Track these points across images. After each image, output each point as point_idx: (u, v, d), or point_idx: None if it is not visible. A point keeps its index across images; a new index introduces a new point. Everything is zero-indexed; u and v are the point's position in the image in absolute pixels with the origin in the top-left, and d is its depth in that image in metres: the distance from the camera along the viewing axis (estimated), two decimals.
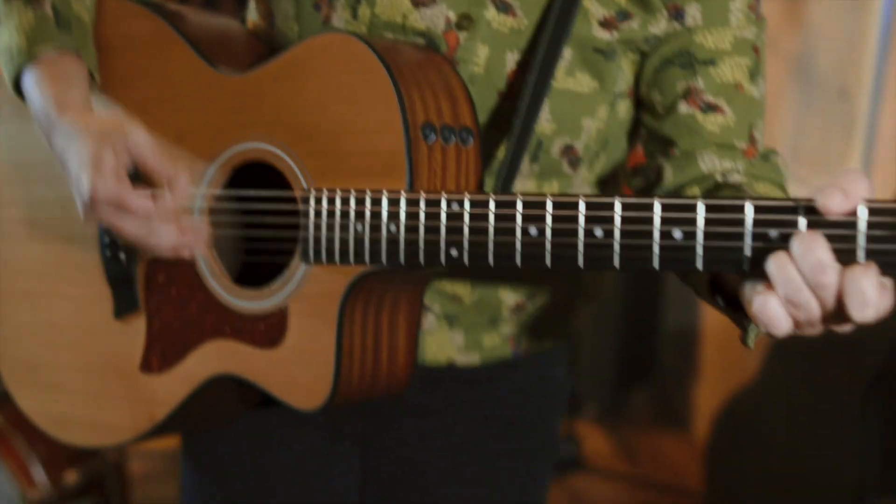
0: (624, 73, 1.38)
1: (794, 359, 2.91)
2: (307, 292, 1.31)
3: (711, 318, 4.01)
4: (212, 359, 1.39)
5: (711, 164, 1.33)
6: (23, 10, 1.39)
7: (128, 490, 2.94)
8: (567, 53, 1.33)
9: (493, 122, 1.37)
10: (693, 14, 1.32)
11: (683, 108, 1.34)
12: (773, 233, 1.00)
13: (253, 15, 1.54)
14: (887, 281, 0.96)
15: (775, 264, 0.98)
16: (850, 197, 0.95)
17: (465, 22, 1.34)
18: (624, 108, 1.41)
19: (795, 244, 0.96)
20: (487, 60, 1.34)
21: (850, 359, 2.26)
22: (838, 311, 0.97)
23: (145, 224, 1.30)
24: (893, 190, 2.64)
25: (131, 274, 1.46)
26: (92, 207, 1.31)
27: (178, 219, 1.30)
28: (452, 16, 1.34)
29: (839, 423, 2.70)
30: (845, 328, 1.00)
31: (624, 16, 1.33)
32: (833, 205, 0.95)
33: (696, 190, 1.31)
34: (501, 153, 1.36)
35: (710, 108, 1.33)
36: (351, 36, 1.28)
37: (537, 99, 1.31)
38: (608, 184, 1.49)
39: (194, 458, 1.60)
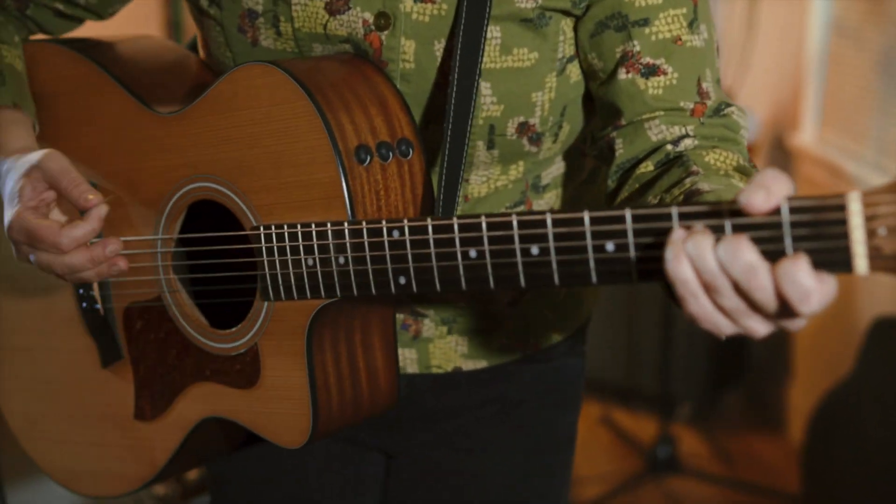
0: (567, 35, 1.30)
1: (888, 355, 2.76)
2: (274, 330, 1.29)
3: None
4: (198, 402, 1.38)
5: (660, 133, 1.26)
6: None
7: None
8: (496, 31, 1.27)
9: (436, 116, 1.31)
10: None
11: (623, 74, 1.27)
12: None
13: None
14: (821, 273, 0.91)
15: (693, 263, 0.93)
16: (772, 194, 0.90)
17: (383, 21, 1.28)
18: (576, 72, 1.33)
19: (722, 249, 0.91)
20: (416, 54, 1.28)
21: None
22: (784, 309, 0.93)
23: (55, 253, 1.30)
24: None
25: (110, 323, 1.46)
26: (14, 245, 1.33)
27: (88, 245, 1.31)
28: (369, 17, 1.28)
29: None
30: (798, 323, 0.95)
31: None
32: (756, 202, 0.89)
33: (649, 166, 1.25)
34: None
35: (651, 70, 1.27)
36: (271, 66, 1.24)
37: (466, 83, 1.24)
38: (574, 152, 1.43)
39: (220, 489, 1.61)
